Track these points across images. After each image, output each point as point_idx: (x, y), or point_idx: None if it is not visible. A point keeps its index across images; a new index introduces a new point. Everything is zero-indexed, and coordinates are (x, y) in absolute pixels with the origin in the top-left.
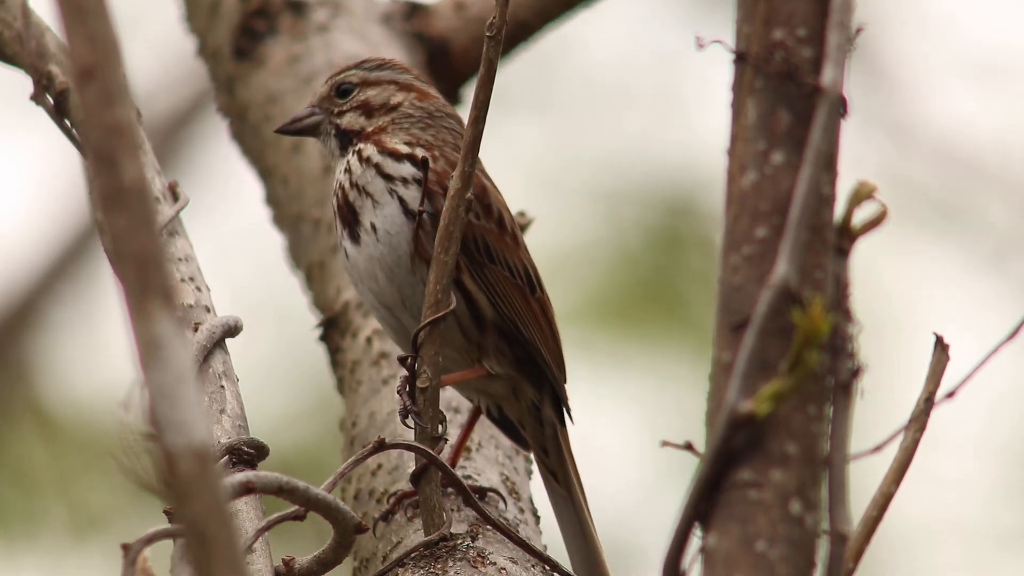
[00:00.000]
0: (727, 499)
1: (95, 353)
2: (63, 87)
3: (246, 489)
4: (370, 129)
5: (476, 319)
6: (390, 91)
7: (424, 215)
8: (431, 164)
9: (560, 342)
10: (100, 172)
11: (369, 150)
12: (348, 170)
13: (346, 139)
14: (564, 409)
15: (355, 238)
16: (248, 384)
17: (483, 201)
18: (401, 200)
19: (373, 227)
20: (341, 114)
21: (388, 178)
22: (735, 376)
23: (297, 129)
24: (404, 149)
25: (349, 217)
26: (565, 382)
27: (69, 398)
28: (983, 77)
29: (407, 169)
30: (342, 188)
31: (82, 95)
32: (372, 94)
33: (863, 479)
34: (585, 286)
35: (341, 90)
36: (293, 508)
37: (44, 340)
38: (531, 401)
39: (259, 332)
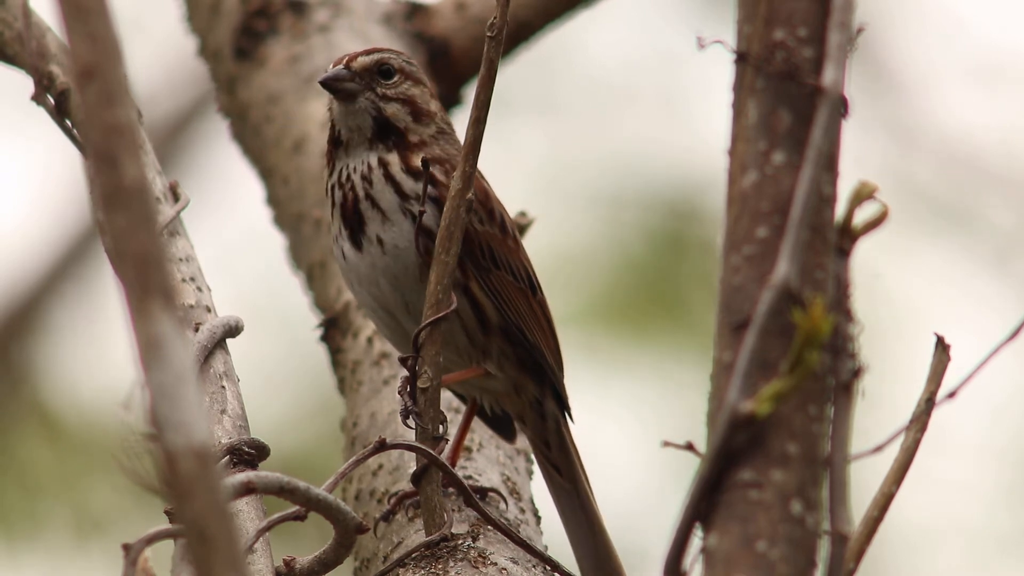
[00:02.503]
0: (728, 499)
1: (97, 354)
2: (64, 87)
3: (247, 489)
4: (414, 140)
5: (481, 324)
6: (427, 96)
7: (425, 220)
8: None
9: (558, 340)
10: (101, 172)
11: (395, 166)
12: (367, 179)
13: (385, 131)
14: (564, 407)
15: (357, 244)
16: (249, 384)
17: (486, 206)
18: (414, 217)
19: (379, 240)
20: (386, 99)
21: (404, 196)
22: (736, 376)
23: (336, 89)
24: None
25: (353, 222)
26: (563, 377)
27: (71, 399)
28: (985, 77)
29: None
30: (354, 190)
31: (83, 95)
32: (417, 93)
33: (864, 479)
34: (586, 288)
35: (383, 70)
36: (294, 508)
37: (46, 341)
38: (533, 396)
39: (260, 332)
